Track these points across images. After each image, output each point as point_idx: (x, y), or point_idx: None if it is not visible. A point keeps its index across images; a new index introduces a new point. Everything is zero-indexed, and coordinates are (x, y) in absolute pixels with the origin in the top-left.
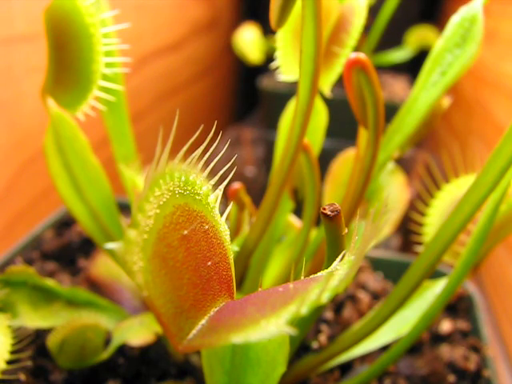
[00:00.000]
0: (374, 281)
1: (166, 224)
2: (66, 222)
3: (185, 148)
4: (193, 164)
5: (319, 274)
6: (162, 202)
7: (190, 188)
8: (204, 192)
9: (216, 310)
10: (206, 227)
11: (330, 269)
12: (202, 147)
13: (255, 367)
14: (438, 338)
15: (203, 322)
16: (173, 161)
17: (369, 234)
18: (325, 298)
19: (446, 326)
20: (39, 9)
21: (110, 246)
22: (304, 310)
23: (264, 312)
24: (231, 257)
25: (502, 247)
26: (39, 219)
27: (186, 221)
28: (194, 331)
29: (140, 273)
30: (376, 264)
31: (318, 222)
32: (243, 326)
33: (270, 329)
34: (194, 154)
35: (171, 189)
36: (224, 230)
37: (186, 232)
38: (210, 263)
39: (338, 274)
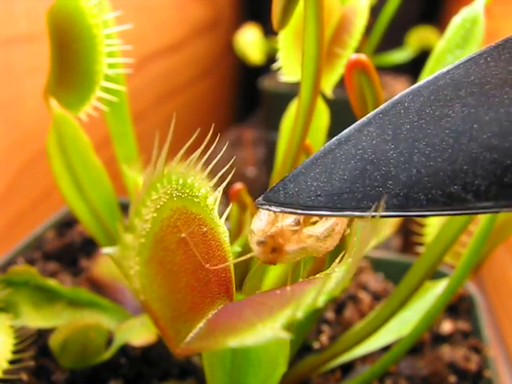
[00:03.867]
0: (375, 281)
1: (163, 227)
2: (67, 222)
3: (183, 150)
4: (191, 166)
5: (317, 276)
6: (159, 206)
7: (187, 190)
8: (202, 194)
9: (214, 312)
10: (205, 229)
11: (327, 271)
12: (200, 148)
13: (256, 367)
14: (438, 339)
15: (201, 324)
16: (171, 163)
17: (366, 236)
18: (321, 301)
19: (446, 326)
20: (41, 9)
21: (107, 250)
22: (300, 314)
23: (261, 315)
24: (231, 259)
25: (503, 248)
26: (41, 219)
27: (183, 224)
28: (191, 334)
29: (136, 277)
30: (377, 264)
31: None
32: (240, 330)
33: (265, 333)
34: (192, 156)
35: (169, 192)
36: (223, 232)
37: (183, 235)
38: (208, 266)
39: (335, 276)
